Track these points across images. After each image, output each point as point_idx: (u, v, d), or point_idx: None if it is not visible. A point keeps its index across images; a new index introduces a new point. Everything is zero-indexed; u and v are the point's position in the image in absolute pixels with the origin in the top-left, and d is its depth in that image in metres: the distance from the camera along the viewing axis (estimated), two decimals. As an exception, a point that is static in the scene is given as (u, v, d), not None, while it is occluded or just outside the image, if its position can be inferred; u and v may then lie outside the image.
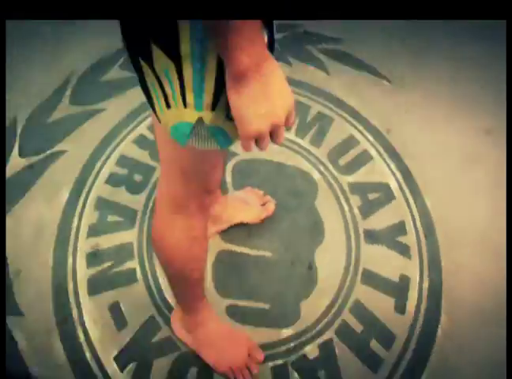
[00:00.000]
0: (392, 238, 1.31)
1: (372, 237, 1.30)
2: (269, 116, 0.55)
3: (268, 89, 0.54)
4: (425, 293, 1.24)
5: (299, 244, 1.27)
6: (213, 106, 0.60)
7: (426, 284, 1.25)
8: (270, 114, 0.55)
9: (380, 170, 1.41)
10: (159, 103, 0.62)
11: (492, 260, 1.31)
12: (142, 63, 0.60)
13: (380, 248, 1.29)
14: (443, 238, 1.32)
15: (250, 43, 0.50)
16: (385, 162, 1.43)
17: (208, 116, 0.60)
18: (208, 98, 0.59)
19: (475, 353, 1.17)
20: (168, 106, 0.61)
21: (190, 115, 0.61)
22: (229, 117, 0.59)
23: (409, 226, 1.33)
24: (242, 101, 0.54)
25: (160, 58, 0.57)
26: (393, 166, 1.42)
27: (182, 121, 0.62)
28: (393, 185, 1.39)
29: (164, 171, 0.78)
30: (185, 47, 0.55)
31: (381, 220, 1.33)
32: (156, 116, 0.65)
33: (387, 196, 1.37)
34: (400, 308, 1.21)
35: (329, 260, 1.26)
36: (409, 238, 1.31)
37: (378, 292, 1.23)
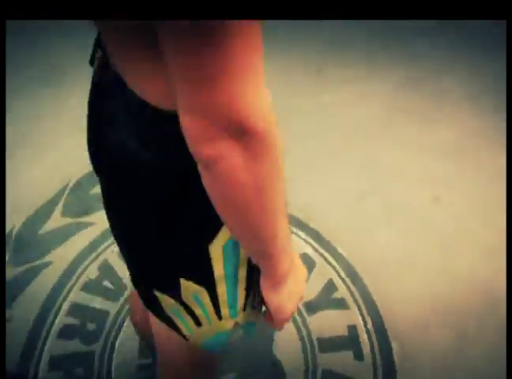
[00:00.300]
0: (328, 298, 1.52)
1: (312, 307, 1.50)
2: (300, 297, 0.61)
3: (296, 276, 0.58)
4: (372, 330, 1.45)
5: (255, 352, 1.46)
6: (245, 307, 0.63)
7: (369, 323, 1.46)
8: (300, 295, 0.61)
9: (294, 243, 1.61)
10: (185, 324, 0.61)
11: (413, 274, 1.53)
12: (157, 294, 0.59)
13: (322, 313, 1.49)
14: (367, 276, 1.53)
15: (288, 254, 0.52)
16: (296, 234, 1.63)
17: (241, 317, 0.63)
18: (240, 303, 0.62)
19: (433, 359, 1.39)
20: (199, 324, 0.61)
21: (226, 324, 0.62)
22: (254, 306, 0.63)
23: (337, 280, 1.54)
24: (280, 298, 0.57)
25: (190, 287, 0.58)
26: (301, 234, 1.62)
27: (217, 333, 0.63)
28: (310, 252, 1.59)
29: (172, 373, 0.81)
30: (218, 271, 0.57)
31: (313, 288, 1.53)
32: (182, 336, 0.63)
33: (309, 264, 1.57)
34: (358, 355, 1.42)
35: (286, 345, 1.44)
36: (341, 291, 1.52)
37: (337, 352, 1.43)
